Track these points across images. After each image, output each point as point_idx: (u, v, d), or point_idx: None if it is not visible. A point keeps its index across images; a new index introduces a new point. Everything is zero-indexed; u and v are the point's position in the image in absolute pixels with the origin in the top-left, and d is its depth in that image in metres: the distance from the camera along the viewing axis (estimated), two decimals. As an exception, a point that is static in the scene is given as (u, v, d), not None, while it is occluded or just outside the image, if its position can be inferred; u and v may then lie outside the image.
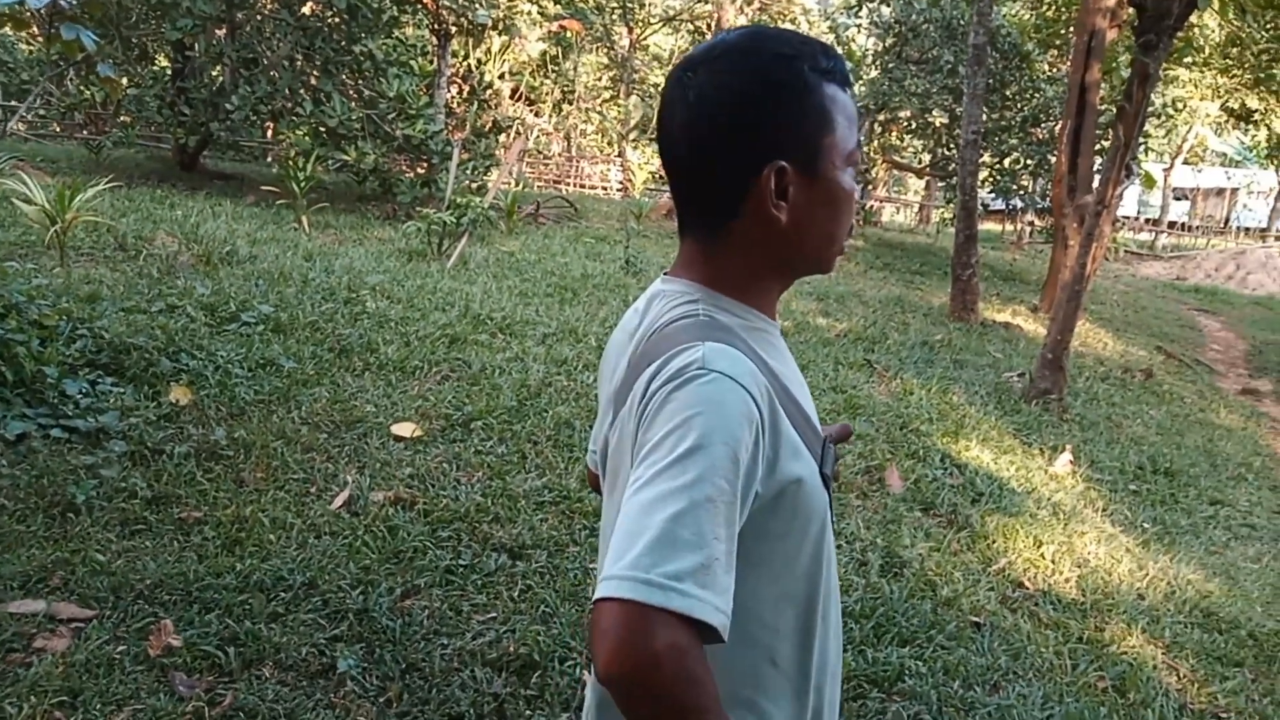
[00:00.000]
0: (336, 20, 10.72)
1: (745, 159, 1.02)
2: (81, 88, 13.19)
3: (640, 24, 23.62)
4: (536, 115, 20.25)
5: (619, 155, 23.76)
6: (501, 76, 14.99)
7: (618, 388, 1.09)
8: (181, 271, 5.92)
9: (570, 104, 22.79)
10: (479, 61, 14.09)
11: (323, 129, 10.36)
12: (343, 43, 10.72)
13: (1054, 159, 11.83)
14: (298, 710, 2.44)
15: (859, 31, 17.33)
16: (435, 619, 2.92)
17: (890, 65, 14.76)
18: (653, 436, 0.91)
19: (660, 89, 1.24)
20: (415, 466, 3.89)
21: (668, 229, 12.91)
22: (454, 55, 13.32)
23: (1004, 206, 15.91)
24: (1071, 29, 12.52)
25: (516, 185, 12.58)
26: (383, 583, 3.04)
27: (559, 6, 17.52)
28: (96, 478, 3.35)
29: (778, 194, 1.02)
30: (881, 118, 15.58)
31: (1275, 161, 22.47)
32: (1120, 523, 4.87)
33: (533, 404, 4.69)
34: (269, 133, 14.49)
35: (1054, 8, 14.73)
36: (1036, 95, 14.12)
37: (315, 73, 10.82)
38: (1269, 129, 19.35)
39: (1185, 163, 29.70)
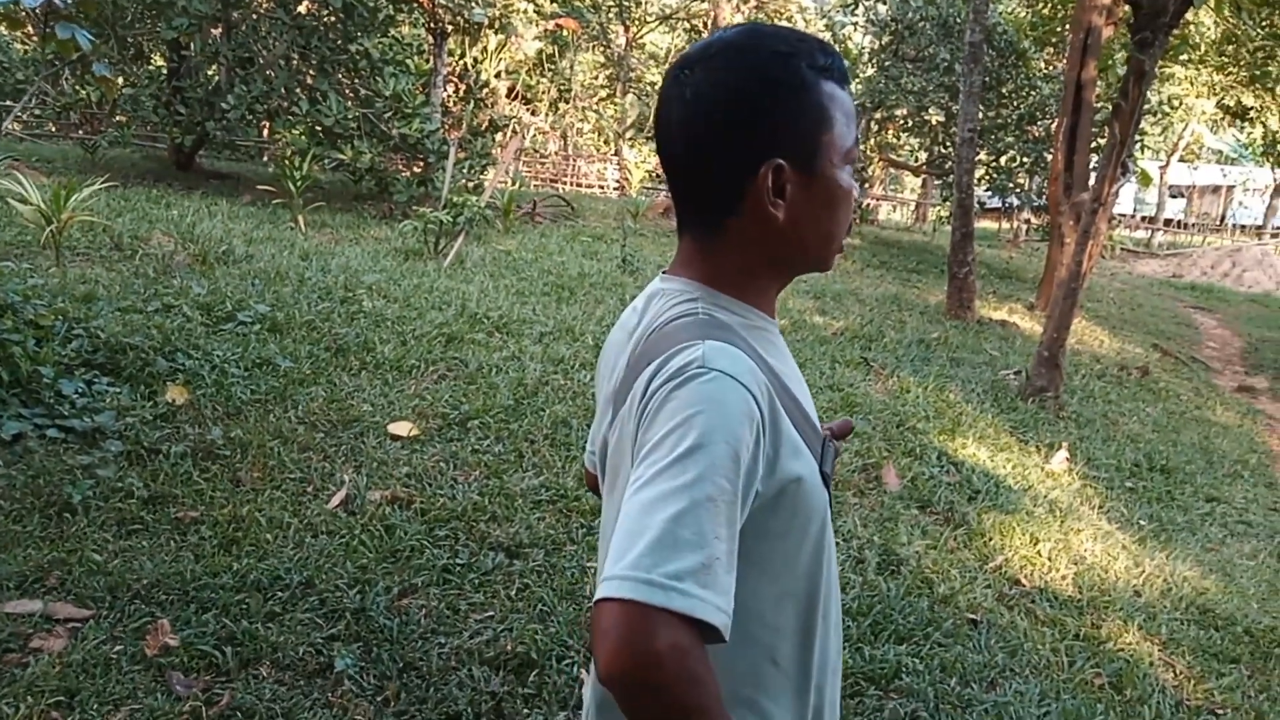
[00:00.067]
0: (332, 19, 10.71)
1: (742, 156, 1.01)
2: (77, 87, 13.17)
3: (637, 22, 23.60)
4: (533, 114, 20.24)
5: (615, 154, 23.76)
6: (498, 75, 14.96)
7: (617, 387, 1.09)
8: (177, 271, 5.91)
9: (567, 102, 22.79)
10: (475, 60, 14.07)
11: (319, 128, 10.35)
12: (339, 42, 10.71)
13: (1050, 157, 11.85)
14: (295, 709, 2.44)
15: (855, 29, 17.33)
16: (433, 618, 2.92)
17: (886, 63, 14.77)
18: (653, 436, 0.91)
19: (658, 87, 1.23)
20: (412, 465, 3.89)
21: (664, 227, 12.91)
22: (450, 54, 13.30)
23: (1000, 204, 15.92)
24: (1067, 26, 12.54)
25: (513, 184, 12.56)
26: (380, 582, 3.04)
27: (555, 5, 17.51)
28: (93, 477, 3.35)
29: (775, 192, 1.02)
30: (878, 116, 15.59)
31: (1271, 159, 22.49)
32: (1117, 520, 4.88)
33: (530, 403, 4.69)
34: (265, 132, 14.48)
35: (1050, 5, 14.75)
36: (1032, 93, 14.14)
37: (311, 72, 10.81)
38: (1265, 126, 19.37)
39: (1181, 160, 29.73)
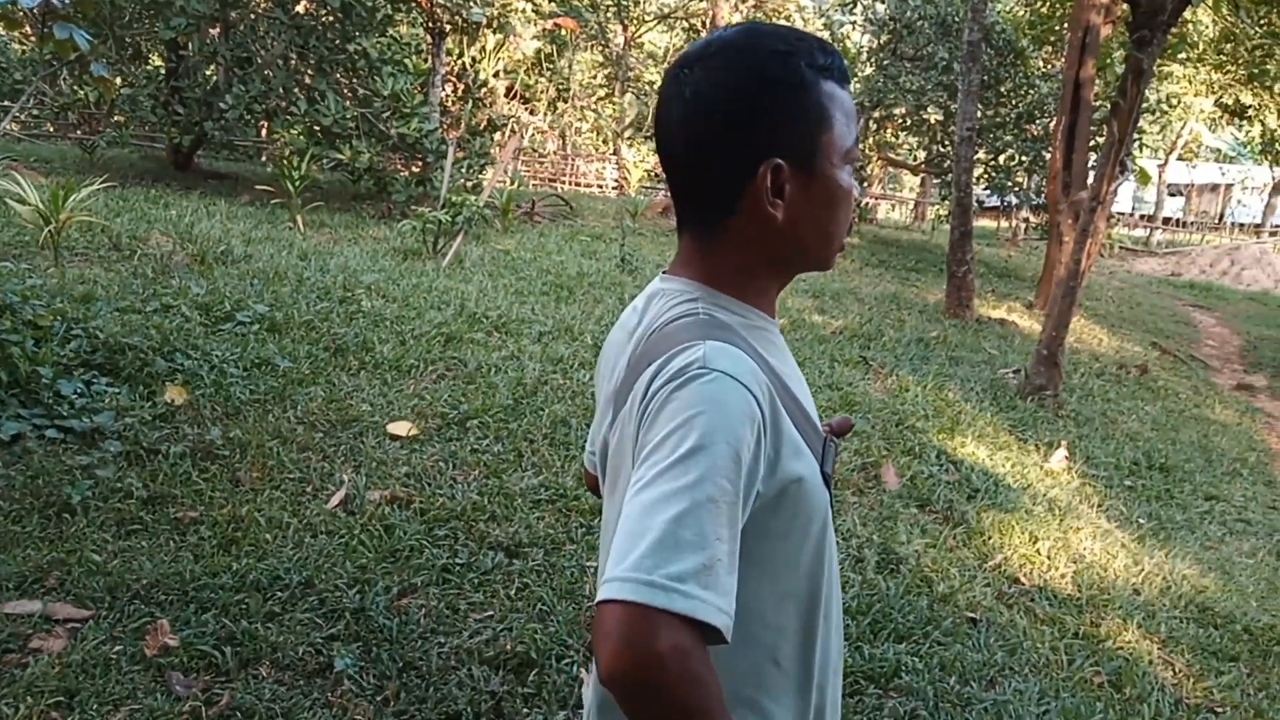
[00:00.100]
0: (331, 19, 10.70)
1: (741, 156, 1.01)
2: (75, 87, 13.16)
3: (635, 21, 23.60)
4: (531, 113, 20.24)
5: (614, 153, 23.77)
6: (496, 74, 14.97)
7: (617, 387, 1.08)
8: (176, 271, 5.91)
9: (565, 102, 22.79)
10: (474, 60, 14.07)
11: (317, 128, 10.35)
12: (337, 41, 10.70)
13: (1049, 155, 11.85)
14: (295, 709, 2.44)
15: (853, 28, 17.34)
16: (432, 617, 2.92)
17: (885, 62, 14.77)
18: (654, 436, 0.90)
19: (656, 86, 1.22)
20: (411, 465, 3.89)
21: (663, 226, 12.91)
22: (448, 53, 13.31)
23: (999, 203, 15.94)
24: (1066, 25, 12.54)
25: (512, 184, 12.56)
26: (379, 581, 3.04)
27: (553, 4, 17.50)
28: (92, 478, 3.35)
29: (774, 192, 1.01)
30: (876, 115, 15.60)
31: (1269, 157, 22.51)
32: (1116, 518, 4.88)
33: (529, 402, 4.69)
34: (263, 132, 14.48)
35: (1048, 4, 14.75)
36: (1031, 92, 14.15)
37: (309, 71, 10.80)
38: (1263, 124, 19.39)
39: (1180, 159, 29.72)
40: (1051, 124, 12.33)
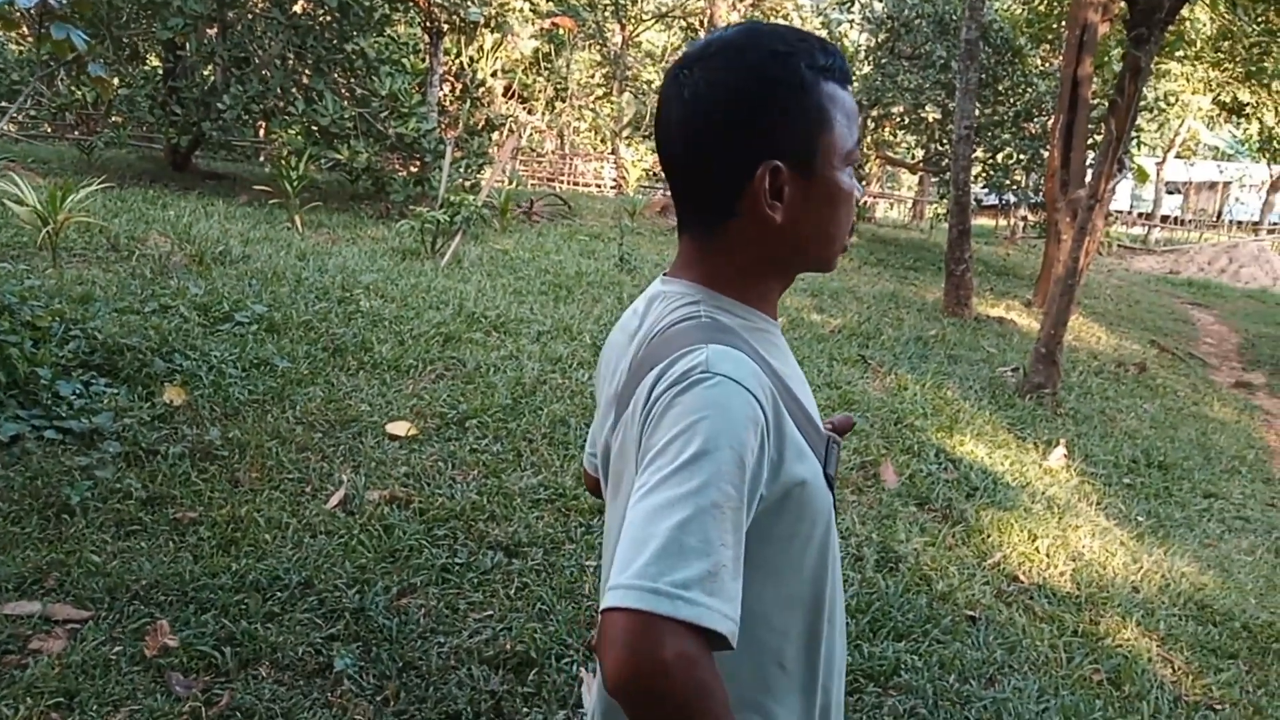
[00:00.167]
0: (328, 19, 10.69)
1: (740, 157, 1.01)
2: (72, 88, 13.15)
3: (633, 20, 23.60)
4: (529, 113, 20.22)
5: (612, 152, 23.77)
6: (494, 74, 14.95)
7: (619, 391, 1.08)
8: (174, 272, 5.90)
9: (563, 101, 22.76)
10: (471, 59, 14.06)
11: (315, 128, 10.34)
12: (334, 41, 10.69)
13: (1047, 154, 11.85)
14: (295, 709, 2.44)
15: (851, 27, 17.34)
16: (432, 617, 2.92)
17: (883, 61, 14.78)
18: (657, 442, 0.90)
19: (654, 85, 1.21)
20: (410, 465, 3.89)
21: (662, 226, 12.90)
22: (446, 53, 13.30)
23: (997, 201, 15.95)
24: (1063, 23, 12.55)
25: (510, 183, 12.56)
26: (379, 581, 3.04)
27: (551, 3, 17.49)
28: (91, 479, 3.35)
29: (772, 194, 1.01)
30: (874, 113, 15.59)
31: (1267, 155, 22.53)
32: (1114, 516, 4.89)
33: (528, 402, 4.69)
34: (261, 132, 14.47)
35: (1046, 2, 14.75)
36: (1029, 90, 14.16)
37: (307, 71, 10.79)
38: (1260, 122, 19.40)
39: (1177, 157, 29.73)
40: (1049, 122, 12.33)
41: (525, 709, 2.58)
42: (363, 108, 10.69)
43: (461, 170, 11.31)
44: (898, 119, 16.33)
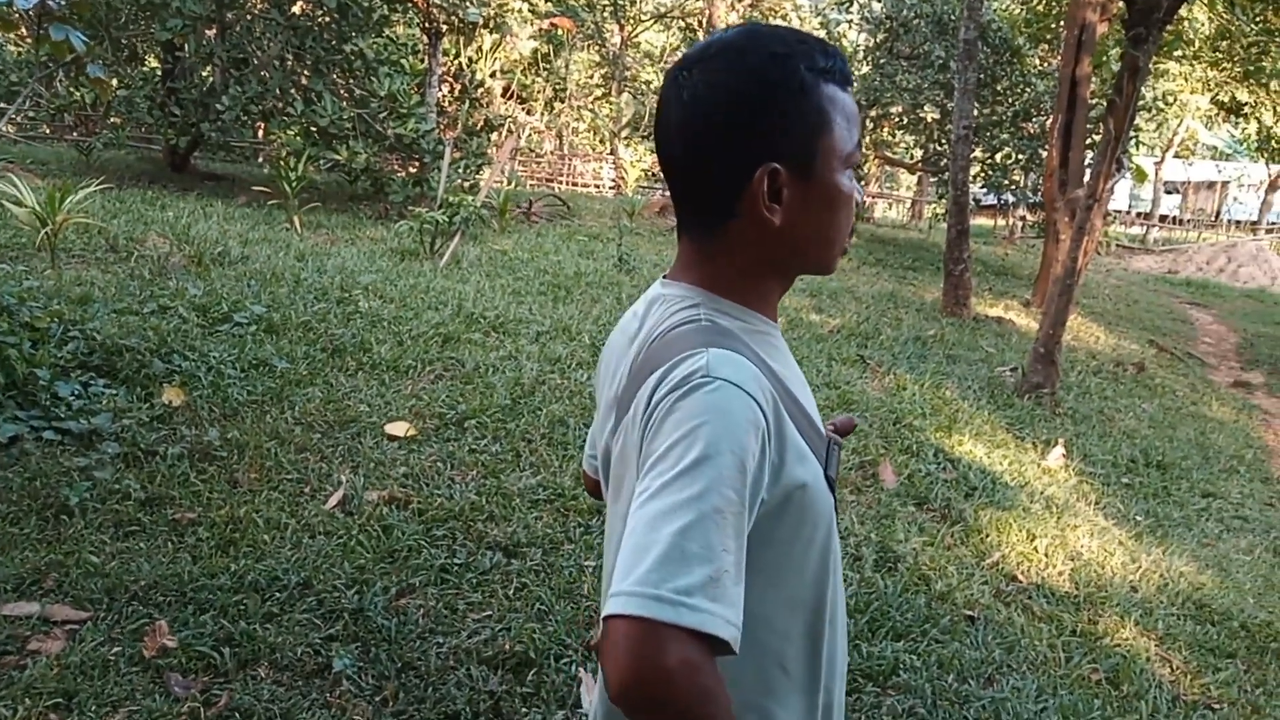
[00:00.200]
0: (327, 19, 10.69)
1: (739, 159, 1.00)
2: (71, 89, 13.14)
3: (631, 21, 23.61)
4: (528, 113, 20.21)
5: (611, 153, 23.78)
6: (493, 75, 14.94)
7: (619, 394, 1.08)
8: (173, 273, 5.90)
9: (562, 102, 22.74)
10: (470, 60, 14.06)
11: (314, 129, 10.34)
12: (333, 42, 10.69)
13: (1045, 153, 11.85)
14: (293, 710, 2.44)
15: (850, 27, 17.35)
16: (430, 618, 2.92)
17: (881, 61, 14.79)
18: (658, 447, 0.90)
19: (653, 86, 1.21)
20: (409, 466, 3.89)
21: (660, 226, 12.91)
22: (445, 54, 13.29)
23: (996, 201, 15.94)
24: (1062, 23, 12.56)
25: (509, 184, 12.56)
26: (378, 582, 3.04)
27: (550, 4, 17.49)
28: (90, 480, 3.35)
29: (771, 196, 1.01)
30: (873, 113, 15.60)
31: (1265, 154, 22.55)
32: (1113, 516, 4.89)
33: (526, 402, 4.69)
34: (260, 133, 14.46)
35: (1044, 2, 14.76)
36: (1027, 90, 14.16)
37: (306, 72, 10.79)
38: (1259, 121, 19.41)
39: (1176, 156, 29.78)
40: (1048, 122, 12.34)
41: (524, 709, 2.59)
42: (361, 108, 10.69)
43: (460, 171, 11.32)
44: (896, 119, 16.34)
